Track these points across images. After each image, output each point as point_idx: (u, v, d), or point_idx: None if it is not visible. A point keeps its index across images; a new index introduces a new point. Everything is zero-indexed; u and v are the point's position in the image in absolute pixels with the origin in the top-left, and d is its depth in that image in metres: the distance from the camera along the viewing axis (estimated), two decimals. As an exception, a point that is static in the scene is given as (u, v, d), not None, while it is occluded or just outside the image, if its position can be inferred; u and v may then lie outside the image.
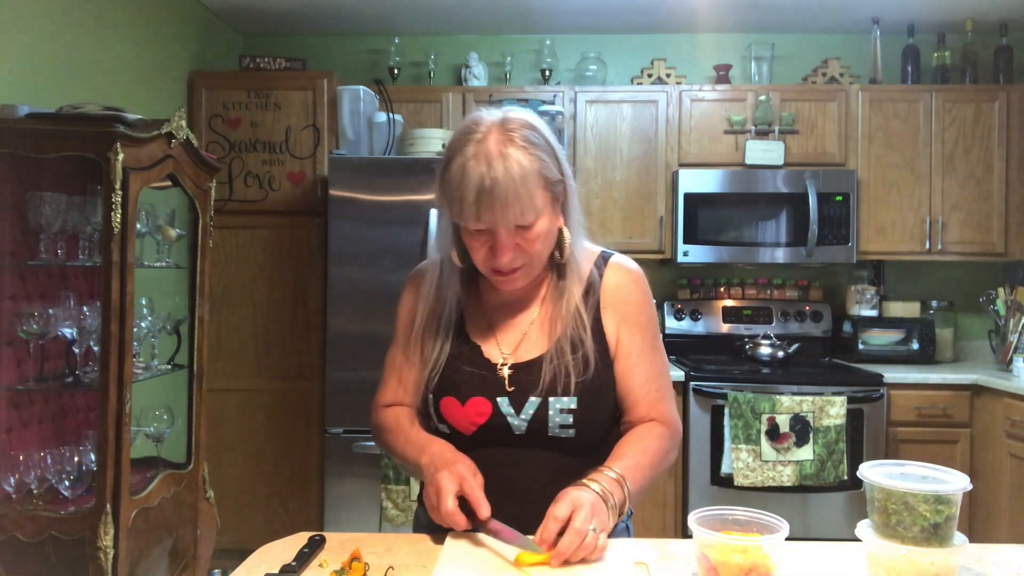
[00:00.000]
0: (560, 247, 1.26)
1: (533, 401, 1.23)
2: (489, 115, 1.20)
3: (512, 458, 1.25)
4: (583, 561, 1.07)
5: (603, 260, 1.33)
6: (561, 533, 1.07)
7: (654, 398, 1.29)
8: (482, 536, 1.16)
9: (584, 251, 1.31)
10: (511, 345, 1.29)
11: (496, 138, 1.16)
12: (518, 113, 1.21)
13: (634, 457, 1.21)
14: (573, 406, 1.23)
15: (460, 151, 1.17)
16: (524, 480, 1.24)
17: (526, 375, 1.25)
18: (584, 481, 1.14)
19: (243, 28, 3.87)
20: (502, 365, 1.27)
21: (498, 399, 1.24)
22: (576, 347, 1.25)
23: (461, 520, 1.12)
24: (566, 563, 1.06)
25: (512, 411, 1.24)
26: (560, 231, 1.25)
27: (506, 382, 1.25)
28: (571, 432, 1.24)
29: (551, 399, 1.23)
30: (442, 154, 1.25)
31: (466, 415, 1.25)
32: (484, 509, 1.13)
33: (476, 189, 1.13)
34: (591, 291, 1.30)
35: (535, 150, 1.17)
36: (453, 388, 1.26)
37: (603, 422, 1.29)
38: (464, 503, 1.13)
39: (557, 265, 1.28)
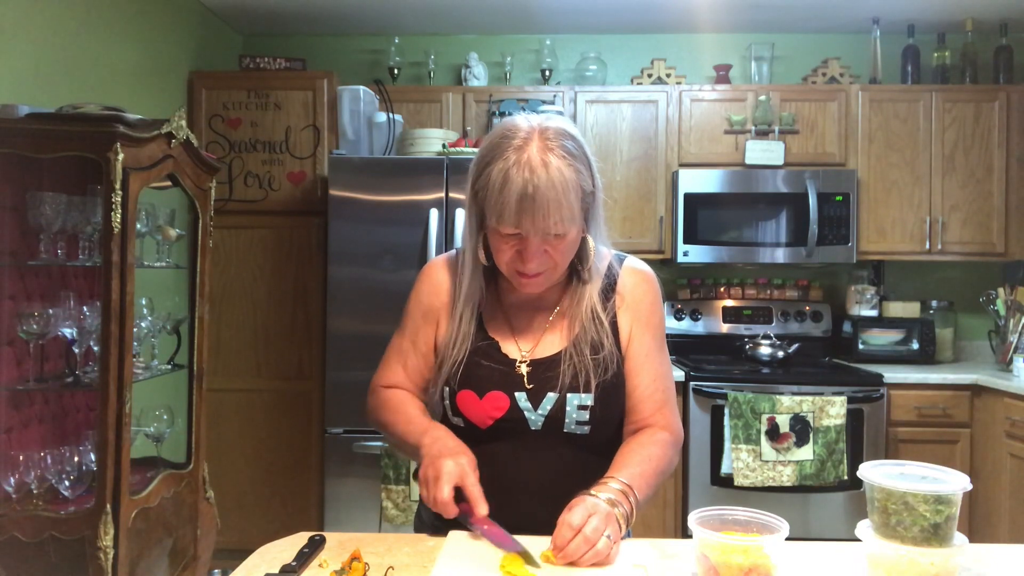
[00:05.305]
0: (582, 256, 1.27)
1: (551, 397, 1.25)
2: (526, 122, 1.21)
3: (525, 453, 1.26)
4: (592, 565, 1.06)
5: (618, 261, 1.36)
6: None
7: (659, 399, 1.30)
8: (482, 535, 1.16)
9: (602, 254, 1.33)
10: (529, 343, 1.31)
11: (537, 145, 1.16)
12: (556, 121, 1.22)
13: (639, 466, 1.21)
14: (590, 403, 1.25)
15: (500, 156, 1.17)
16: (536, 475, 1.25)
17: (545, 371, 1.27)
18: (592, 491, 1.14)
19: (243, 28, 3.87)
20: (520, 362, 1.28)
21: (516, 394, 1.26)
22: (597, 349, 1.27)
23: (453, 510, 1.13)
24: (572, 564, 1.06)
25: (530, 406, 1.25)
26: (584, 240, 1.26)
27: (525, 378, 1.27)
28: (586, 429, 1.26)
29: (569, 395, 1.25)
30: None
31: (483, 409, 1.26)
32: (483, 507, 1.13)
33: (518, 195, 1.14)
34: (608, 292, 1.32)
35: (574, 160, 1.18)
36: (472, 382, 1.28)
37: (617, 419, 1.31)
38: (458, 495, 1.14)
39: (577, 270, 1.29)
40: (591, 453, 1.27)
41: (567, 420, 1.25)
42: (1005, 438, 3.01)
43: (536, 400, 1.25)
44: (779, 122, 3.53)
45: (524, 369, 1.28)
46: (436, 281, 1.37)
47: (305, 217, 3.39)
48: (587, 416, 1.25)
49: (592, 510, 1.08)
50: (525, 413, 1.25)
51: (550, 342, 1.30)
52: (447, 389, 1.29)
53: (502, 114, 3.46)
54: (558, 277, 1.28)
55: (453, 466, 1.14)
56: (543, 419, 1.25)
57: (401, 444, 1.30)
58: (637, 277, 1.35)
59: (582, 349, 1.26)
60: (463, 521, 1.15)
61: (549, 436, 1.26)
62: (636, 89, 3.63)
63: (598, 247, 1.29)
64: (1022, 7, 3.48)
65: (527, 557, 1.07)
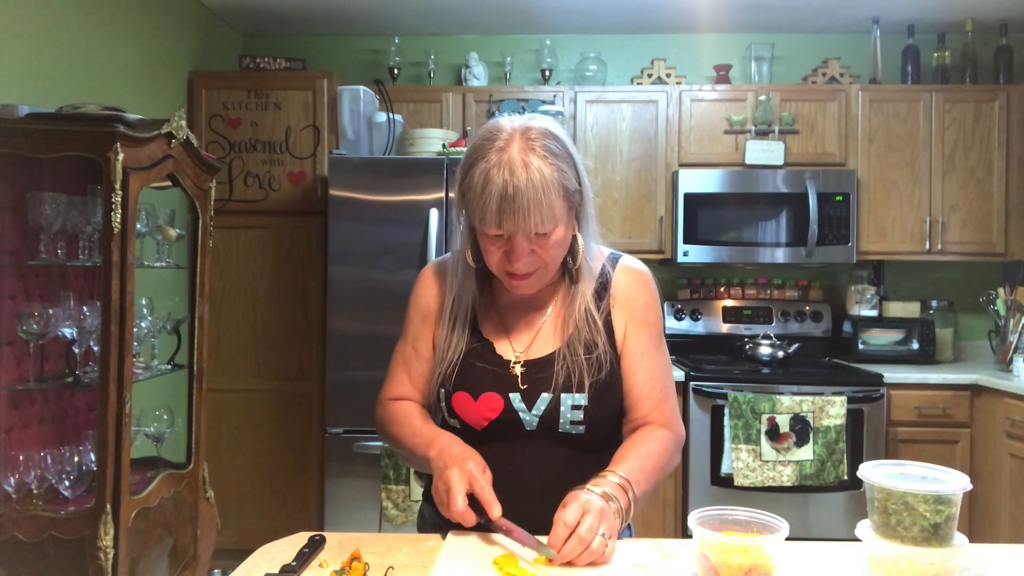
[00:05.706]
0: (573, 253, 1.28)
1: (545, 397, 1.25)
2: (510, 122, 1.21)
3: (521, 454, 1.26)
4: (589, 564, 1.06)
5: (612, 261, 1.36)
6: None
7: (657, 397, 1.31)
8: (481, 535, 1.16)
9: (594, 253, 1.33)
10: (523, 343, 1.31)
11: (519, 146, 1.17)
12: (539, 122, 1.22)
13: (638, 460, 1.21)
14: (584, 403, 1.25)
15: (482, 157, 1.18)
16: (533, 476, 1.25)
17: (539, 372, 1.27)
18: (589, 486, 1.14)
19: (243, 28, 3.87)
20: (514, 363, 1.28)
21: (510, 395, 1.26)
22: (591, 348, 1.27)
23: (471, 518, 1.12)
24: (570, 564, 1.06)
25: (524, 407, 1.25)
26: (574, 238, 1.27)
27: (519, 379, 1.27)
28: (581, 428, 1.26)
29: (563, 395, 1.25)
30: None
31: (478, 410, 1.26)
32: (495, 509, 1.13)
33: (498, 196, 1.15)
34: (602, 292, 1.32)
35: (555, 160, 1.18)
36: (466, 383, 1.28)
37: (612, 418, 1.31)
38: (473, 499, 1.14)
39: (569, 269, 1.30)
40: (587, 453, 1.27)
41: (561, 420, 1.25)
42: (1005, 438, 3.01)
43: (530, 401, 1.25)
44: (779, 122, 3.53)
45: (518, 370, 1.28)
46: (431, 285, 1.38)
47: (305, 217, 3.39)
48: (581, 416, 1.25)
49: (585, 507, 1.08)
50: (519, 414, 1.25)
51: (544, 342, 1.30)
52: (443, 391, 1.30)
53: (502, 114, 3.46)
54: (549, 277, 1.28)
55: (459, 475, 1.14)
56: (537, 419, 1.25)
57: (411, 458, 1.30)
58: (631, 276, 1.35)
59: (575, 349, 1.27)
60: (485, 524, 1.14)
61: (544, 436, 1.26)
62: (636, 89, 3.63)
63: (589, 245, 1.29)
64: (1022, 7, 3.48)
65: (546, 551, 1.07)
